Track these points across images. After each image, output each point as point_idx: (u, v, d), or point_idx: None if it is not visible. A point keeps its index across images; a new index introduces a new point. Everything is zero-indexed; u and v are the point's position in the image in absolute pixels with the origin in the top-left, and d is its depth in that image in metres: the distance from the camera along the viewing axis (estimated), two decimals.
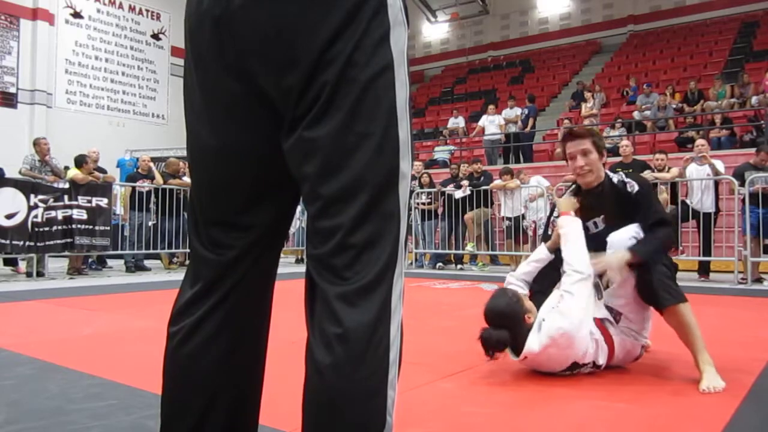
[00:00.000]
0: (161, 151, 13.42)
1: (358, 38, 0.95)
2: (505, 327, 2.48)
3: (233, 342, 1.10)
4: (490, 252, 9.24)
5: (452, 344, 3.16)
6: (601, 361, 2.54)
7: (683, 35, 17.48)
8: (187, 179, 8.65)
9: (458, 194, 9.14)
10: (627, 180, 2.71)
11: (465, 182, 9.18)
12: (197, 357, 1.08)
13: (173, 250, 9.00)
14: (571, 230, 2.67)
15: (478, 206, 8.95)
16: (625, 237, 2.56)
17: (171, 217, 8.61)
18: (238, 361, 1.11)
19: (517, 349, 2.49)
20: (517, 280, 2.87)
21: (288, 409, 1.43)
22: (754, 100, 11.21)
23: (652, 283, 2.50)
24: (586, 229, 2.73)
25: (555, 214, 2.90)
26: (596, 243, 2.66)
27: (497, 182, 9.03)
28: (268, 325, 1.18)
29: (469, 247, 9.10)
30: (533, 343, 2.44)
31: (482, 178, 9.24)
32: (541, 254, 2.87)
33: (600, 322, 2.56)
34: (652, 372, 2.65)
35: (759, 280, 6.88)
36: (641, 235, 2.58)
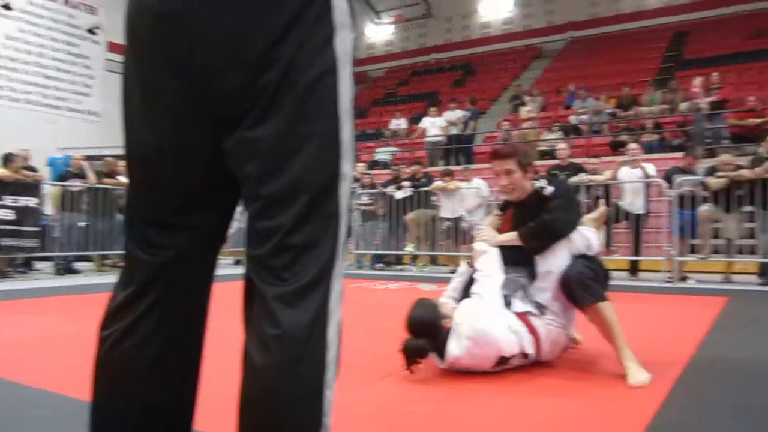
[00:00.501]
0: (95, 150, 12.94)
1: (302, 40, 0.94)
2: (425, 334, 2.56)
3: (168, 345, 1.07)
4: (431, 252, 9.33)
5: (391, 344, 3.16)
6: (529, 350, 2.62)
7: (619, 42, 18.04)
8: (122, 178, 8.37)
9: (399, 195, 9.20)
10: (545, 186, 2.85)
11: (406, 183, 9.25)
12: (130, 361, 1.05)
13: (106, 252, 8.69)
14: (481, 246, 2.87)
15: (419, 207, 9.02)
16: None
17: (104, 217, 8.31)
18: (172, 364, 1.08)
19: (442, 355, 2.56)
20: (448, 298, 2.98)
21: (223, 412, 1.40)
22: (683, 106, 11.73)
23: (572, 282, 2.61)
24: None
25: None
26: (524, 251, 2.78)
27: (437, 183, 9.13)
28: (205, 328, 1.16)
29: (409, 248, 9.16)
30: (453, 348, 2.53)
31: (423, 179, 9.33)
32: (462, 269, 3.04)
33: (523, 315, 2.66)
34: (582, 367, 2.75)
35: (684, 279, 7.21)
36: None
